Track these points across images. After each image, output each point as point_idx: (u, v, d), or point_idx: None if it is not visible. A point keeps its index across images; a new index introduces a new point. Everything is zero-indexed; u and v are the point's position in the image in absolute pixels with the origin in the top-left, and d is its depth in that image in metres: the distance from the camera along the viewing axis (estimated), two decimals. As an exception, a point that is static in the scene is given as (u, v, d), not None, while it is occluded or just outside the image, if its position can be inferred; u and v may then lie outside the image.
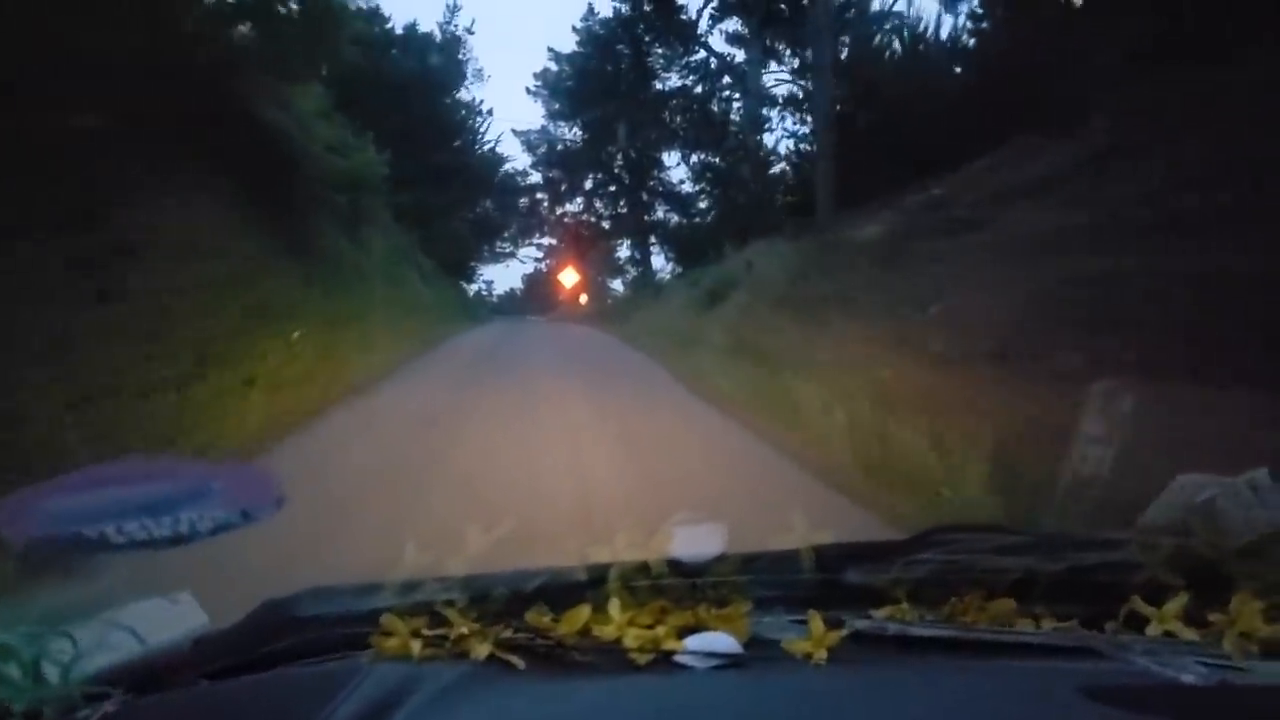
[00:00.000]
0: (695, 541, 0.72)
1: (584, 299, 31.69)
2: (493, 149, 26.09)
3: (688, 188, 26.49)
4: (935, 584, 0.72)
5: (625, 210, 28.35)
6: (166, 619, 0.74)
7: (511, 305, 36.68)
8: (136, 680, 0.68)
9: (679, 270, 23.75)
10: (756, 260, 13.17)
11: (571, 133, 27.44)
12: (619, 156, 26.73)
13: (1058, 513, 2.93)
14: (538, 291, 36.79)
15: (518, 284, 40.39)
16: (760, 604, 0.71)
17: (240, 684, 0.69)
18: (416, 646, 0.67)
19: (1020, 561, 0.72)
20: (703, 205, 25.71)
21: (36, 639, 0.65)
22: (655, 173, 26.87)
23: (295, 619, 0.72)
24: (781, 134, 29.64)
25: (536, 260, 34.99)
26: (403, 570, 0.72)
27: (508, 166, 27.63)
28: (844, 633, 0.67)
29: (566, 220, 30.40)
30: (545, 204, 29.91)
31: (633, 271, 30.73)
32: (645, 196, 27.30)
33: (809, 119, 19.01)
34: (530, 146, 27.83)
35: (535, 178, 28.74)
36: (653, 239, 27.91)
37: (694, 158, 25.13)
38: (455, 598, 0.70)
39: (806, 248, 11.72)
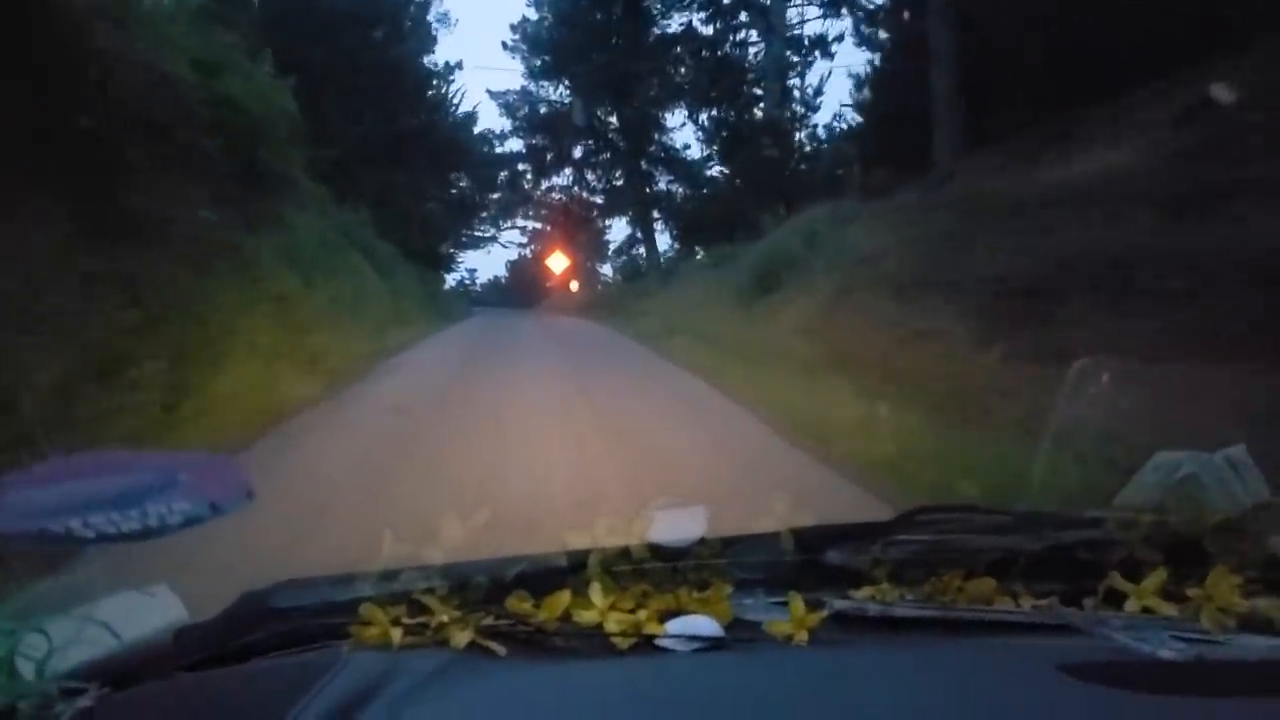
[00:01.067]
0: (676, 525, 0.84)
1: (575, 286, 31.88)
2: (468, 113, 25.79)
3: (696, 152, 26.35)
4: (915, 564, 0.84)
5: (622, 181, 28.24)
6: (143, 612, 0.85)
7: (495, 296, 37.16)
8: (114, 675, 0.79)
9: (691, 250, 23.57)
10: (823, 230, 11.35)
11: (556, 92, 27.37)
12: (613, 118, 26.56)
13: (1036, 491, 2.93)
14: (523, 279, 37.18)
15: (503, 272, 40.93)
16: (741, 586, 0.84)
17: (219, 676, 0.81)
18: (396, 635, 0.79)
19: (1000, 540, 0.85)
20: (715, 171, 25.35)
21: (9, 635, 0.75)
22: (656, 136, 26.62)
23: (274, 610, 0.84)
24: (828, 71, 28.71)
25: (520, 245, 35.15)
26: (381, 560, 0.84)
27: (483, 129, 27.48)
28: (825, 614, 0.79)
29: (554, 195, 30.38)
30: (528, 177, 29.86)
31: (632, 253, 30.68)
32: (645, 164, 27.11)
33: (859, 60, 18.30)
34: (509, 109, 27.72)
35: (516, 145, 28.65)
36: (656, 214, 27.75)
37: (704, 115, 24.72)
38: (435, 586, 0.81)
39: (937, 205, 9.15)
